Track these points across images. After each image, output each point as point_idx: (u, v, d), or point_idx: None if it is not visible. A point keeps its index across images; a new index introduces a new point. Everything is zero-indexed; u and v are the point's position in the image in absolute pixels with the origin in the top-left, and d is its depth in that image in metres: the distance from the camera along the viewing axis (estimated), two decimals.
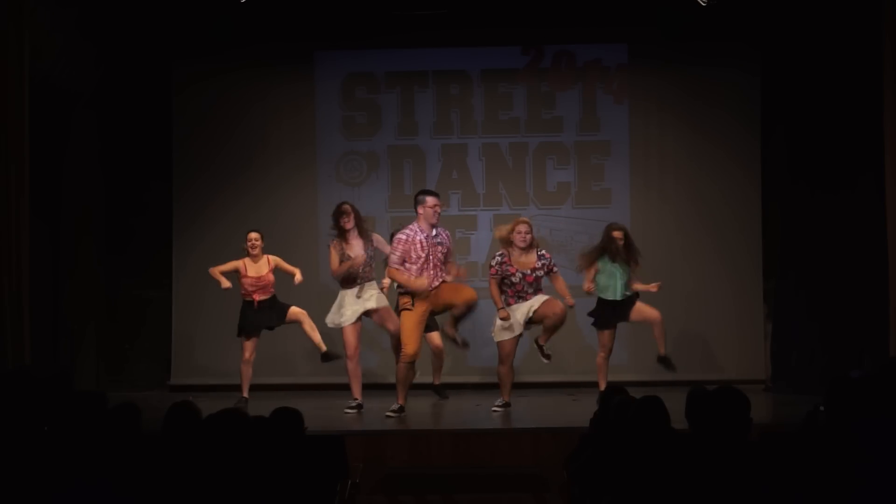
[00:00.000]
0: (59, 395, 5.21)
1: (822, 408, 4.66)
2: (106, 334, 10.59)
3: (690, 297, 10.23)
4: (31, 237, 8.16)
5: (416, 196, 8.38)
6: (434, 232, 8.24)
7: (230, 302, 9.30)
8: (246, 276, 8.95)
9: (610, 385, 7.57)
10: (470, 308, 8.27)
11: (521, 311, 8.38)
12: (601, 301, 8.91)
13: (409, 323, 8.19)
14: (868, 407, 4.28)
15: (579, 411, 8.41)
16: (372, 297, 8.61)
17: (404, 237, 8.21)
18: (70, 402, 4.57)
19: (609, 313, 8.90)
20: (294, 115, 10.78)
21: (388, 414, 8.19)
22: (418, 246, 8.17)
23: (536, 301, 8.39)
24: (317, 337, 8.91)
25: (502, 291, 8.42)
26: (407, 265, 8.17)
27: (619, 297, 8.84)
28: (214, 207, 10.65)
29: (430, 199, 8.23)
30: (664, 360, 8.85)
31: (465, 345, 8.48)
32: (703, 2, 9.14)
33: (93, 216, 10.48)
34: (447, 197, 10.28)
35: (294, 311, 8.98)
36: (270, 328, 9.09)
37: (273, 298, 9.03)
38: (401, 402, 8.26)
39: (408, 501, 7.17)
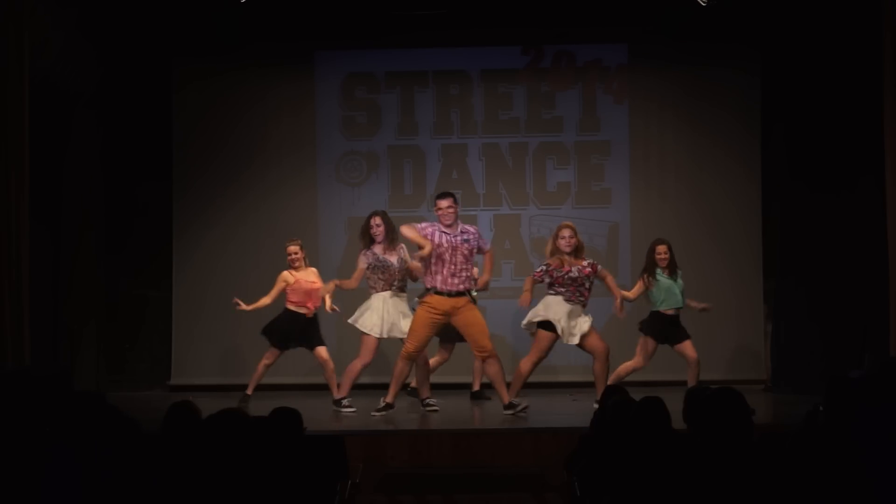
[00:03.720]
0: (59, 395, 5.20)
1: (821, 408, 4.66)
2: (106, 334, 10.58)
3: (691, 297, 10.21)
4: (31, 237, 8.16)
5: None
6: (463, 235, 8.21)
7: (230, 301, 9.28)
8: (297, 282, 8.84)
9: (609, 385, 7.57)
10: (496, 363, 8.18)
11: (567, 321, 8.39)
12: (655, 313, 8.89)
13: (419, 321, 8.19)
14: (868, 407, 4.28)
15: (579, 411, 8.44)
16: (401, 325, 8.57)
17: (427, 225, 8.25)
18: (69, 402, 4.57)
19: (658, 325, 8.86)
20: (294, 114, 10.78)
21: (373, 413, 8.21)
22: (438, 236, 8.14)
23: (584, 325, 8.41)
24: (333, 385, 8.79)
25: (563, 287, 8.39)
26: (434, 259, 8.14)
27: (678, 306, 8.84)
28: (214, 207, 10.65)
29: (438, 202, 8.26)
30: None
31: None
32: (704, 2, 9.14)
33: (93, 216, 10.47)
34: None
35: (324, 354, 8.85)
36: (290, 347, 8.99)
37: (307, 322, 8.87)
38: (389, 399, 8.25)
39: (408, 501, 7.17)
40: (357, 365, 8.58)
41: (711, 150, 10.57)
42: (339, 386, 8.67)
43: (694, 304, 9.03)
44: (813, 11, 9.53)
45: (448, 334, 8.87)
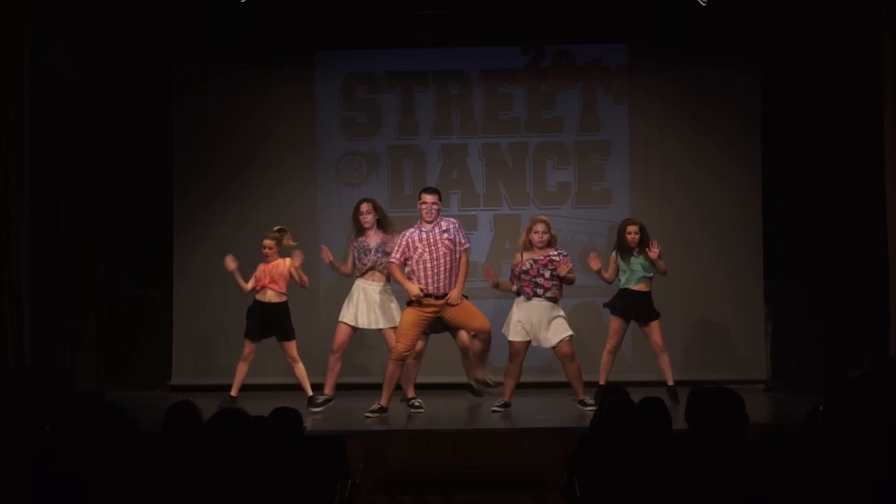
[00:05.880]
0: (59, 396, 5.21)
1: (821, 408, 4.66)
2: (106, 334, 10.57)
3: (691, 298, 10.23)
4: (31, 237, 8.16)
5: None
6: (442, 227, 8.29)
7: (230, 302, 9.30)
8: (259, 268, 8.98)
9: (609, 384, 7.58)
10: (485, 342, 8.30)
11: (538, 319, 8.46)
12: (620, 290, 8.96)
13: (407, 321, 8.27)
14: (868, 407, 4.29)
15: (579, 411, 8.44)
16: (384, 316, 8.65)
17: (402, 235, 8.37)
18: (69, 402, 4.57)
19: (620, 301, 8.90)
20: (294, 115, 10.78)
21: (367, 414, 8.22)
22: (413, 242, 8.26)
23: (554, 335, 8.46)
24: (305, 384, 8.92)
25: (510, 289, 8.61)
26: (411, 265, 8.25)
27: (630, 286, 8.84)
28: (215, 207, 10.65)
29: (424, 196, 8.40)
30: (671, 393, 8.58)
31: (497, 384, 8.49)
32: (704, 2, 9.14)
33: (93, 216, 10.47)
34: (447, 197, 10.28)
35: (291, 351, 8.91)
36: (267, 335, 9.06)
37: (283, 310, 8.96)
38: (383, 402, 8.28)
39: (408, 501, 7.17)
40: (329, 357, 8.75)
41: (711, 151, 10.57)
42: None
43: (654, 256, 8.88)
44: (813, 12, 9.52)
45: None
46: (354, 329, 8.78)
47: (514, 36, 10.66)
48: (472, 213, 10.63)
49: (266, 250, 8.99)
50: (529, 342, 8.57)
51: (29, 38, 8.06)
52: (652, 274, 8.89)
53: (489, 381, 8.32)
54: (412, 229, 8.35)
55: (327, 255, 8.93)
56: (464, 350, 9.17)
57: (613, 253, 8.99)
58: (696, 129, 10.59)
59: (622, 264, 8.89)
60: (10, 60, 7.91)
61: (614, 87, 10.70)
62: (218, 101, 10.72)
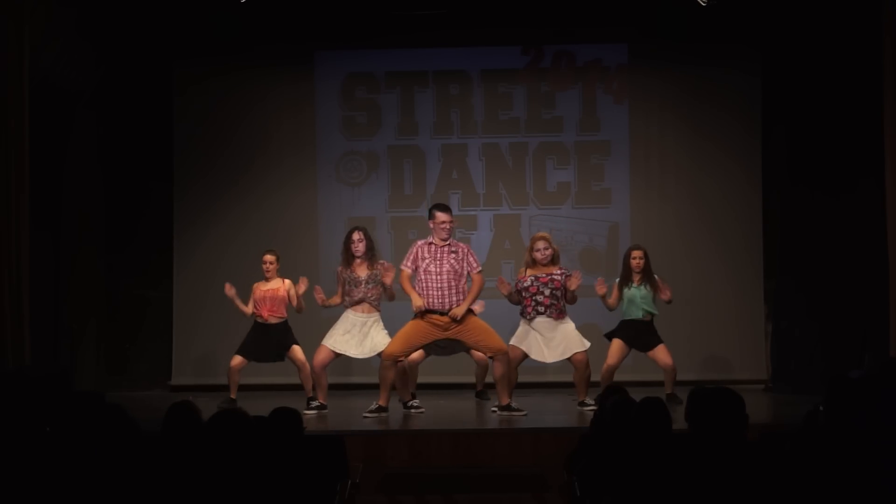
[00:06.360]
0: (59, 396, 5.20)
1: (821, 408, 4.66)
2: (106, 334, 10.59)
3: (691, 298, 10.22)
4: (31, 237, 8.16)
5: (430, 209, 8.41)
6: (452, 248, 8.20)
7: (230, 302, 9.28)
8: (258, 290, 8.91)
9: (609, 385, 7.57)
10: (503, 363, 8.10)
11: (541, 336, 8.41)
12: (621, 320, 8.84)
13: (407, 328, 8.21)
14: (868, 407, 4.29)
15: (579, 411, 8.44)
16: (378, 345, 8.51)
17: (413, 244, 8.31)
18: (69, 402, 4.57)
19: (622, 328, 8.79)
20: (294, 115, 10.79)
21: (366, 414, 8.19)
22: (422, 252, 8.18)
23: (567, 349, 8.40)
24: (308, 386, 8.80)
25: (519, 302, 8.51)
26: (417, 275, 8.19)
27: (635, 317, 8.72)
28: (215, 207, 10.66)
29: (438, 215, 8.22)
30: (672, 398, 8.43)
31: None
32: (704, 2, 9.14)
33: (93, 216, 10.48)
34: (447, 197, 10.28)
35: (299, 354, 8.83)
36: (265, 360, 9.01)
37: (284, 327, 8.92)
38: (382, 402, 8.24)
39: (408, 501, 7.17)
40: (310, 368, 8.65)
41: (711, 151, 10.57)
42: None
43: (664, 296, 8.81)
44: (813, 12, 9.52)
45: None
46: (336, 355, 8.61)
47: (514, 36, 10.66)
48: (472, 213, 10.64)
49: (267, 265, 8.93)
50: (527, 355, 8.48)
51: (29, 38, 8.05)
52: (651, 307, 8.75)
53: (513, 406, 8.20)
54: (424, 241, 8.28)
55: (320, 297, 8.71)
56: (479, 362, 9.13)
57: (617, 281, 8.87)
58: (696, 129, 10.60)
59: (625, 293, 8.75)
60: (10, 60, 7.91)
61: (614, 87, 10.70)
62: (218, 101, 10.73)
